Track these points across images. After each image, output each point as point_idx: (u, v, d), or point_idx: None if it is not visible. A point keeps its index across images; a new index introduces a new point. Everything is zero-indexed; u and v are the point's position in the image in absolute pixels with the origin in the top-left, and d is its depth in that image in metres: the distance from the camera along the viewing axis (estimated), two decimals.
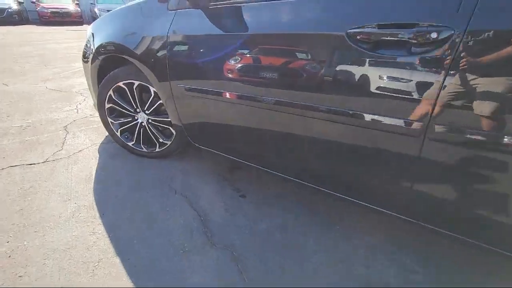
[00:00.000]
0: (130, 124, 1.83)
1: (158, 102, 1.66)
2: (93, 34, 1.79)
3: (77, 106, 2.84)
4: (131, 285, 1.06)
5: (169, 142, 1.79)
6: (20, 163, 1.80)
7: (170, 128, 1.74)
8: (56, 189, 1.56)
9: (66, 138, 2.16)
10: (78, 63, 4.79)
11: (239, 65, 1.19)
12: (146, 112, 1.74)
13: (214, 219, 1.39)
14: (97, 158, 1.91)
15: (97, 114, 2.61)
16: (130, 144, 1.88)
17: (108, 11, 12.64)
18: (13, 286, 1.05)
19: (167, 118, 1.68)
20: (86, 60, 1.87)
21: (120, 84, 1.68)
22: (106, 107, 1.80)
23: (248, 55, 1.16)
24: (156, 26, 1.41)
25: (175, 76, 1.39)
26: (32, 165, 1.78)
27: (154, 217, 1.39)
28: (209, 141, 1.57)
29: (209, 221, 1.38)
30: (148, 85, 1.61)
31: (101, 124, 2.37)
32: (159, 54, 1.40)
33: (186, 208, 1.46)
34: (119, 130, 1.86)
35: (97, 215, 1.39)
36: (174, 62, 1.37)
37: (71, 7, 12.22)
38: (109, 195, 1.54)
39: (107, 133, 2.24)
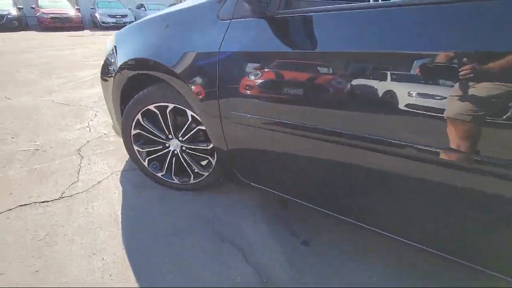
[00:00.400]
0: (161, 153, 1.55)
1: (196, 128, 1.39)
2: (115, 47, 1.52)
3: (88, 123, 2.56)
4: None
5: (206, 173, 1.51)
6: (31, 200, 1.52)
7: (209, 158, 1.47)
8: (77, 238, 1.28)
9: (81, 165, 1.88)
10: (83, 72, 4.52)
11: (325, 92, 0.91)
12: (180, 139, 1.46)
13: (279, 280, 1.11)
14: (120, 191, 1.63)
15: (112, 133, 2.35)
16: (159, 174, 1.61)
17: (109, 15, 12.47)
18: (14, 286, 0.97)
19: (206, 146, 1.41)
20: (106, 77, 1.60)
21: (151, 107, 1.41)
22: (132, 133, 1.52)
23: (341, 80, 0.88)
24: (203, 39, 1.14)
25: (227, 101, 1.12)
26: (46, 203, 1.50)
27: (204, 280, 1.11)
28: (267, 179, 1.29)
29: (274, 285, 1.10)
30: (185, 109, 1.34)
31: (118, 146, 2.12)
32: (206, 74, 1.13)
33: (240, 264, 1.18)
34: (146, 159, 1.58)
35: (132, 277, 1.11)
36: (226, 84, 1.10)
37: (72, 12, 11.94)
38: (142, 245, 1.26)
39: (127, 158, 1.97)
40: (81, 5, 13.74)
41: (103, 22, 12.24)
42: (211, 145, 1.39)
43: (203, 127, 1.35)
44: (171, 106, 1.37)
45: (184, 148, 1.50)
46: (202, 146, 1.44)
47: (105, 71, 1.62)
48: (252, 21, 1.02)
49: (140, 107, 1.43)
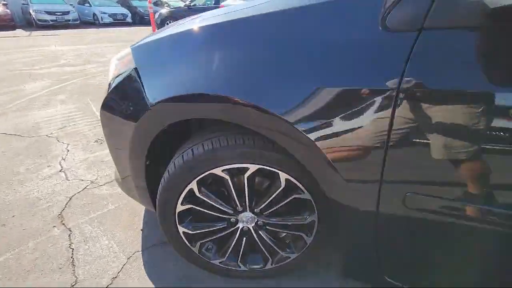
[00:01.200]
0: (224, 233, 1.00)
1: (293, 196, 0.88)
2: (137, 71, 0.91)
3: (61, 165, 1.84)
4: None
5: (293, 255, 1.01)
6: None
7: (303, 234, 0.96)
8: None
9: (73, 246, 1.23)
10: (30, 84, 3.58)
11: None
12: (256, 210, 0.94)
13: None
14: None
15: (103, 179, 1.68)
16: (216, 262, 1.05)
17: (46, 12, 10.82)
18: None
19: (302, 219, 0.91)
20: (121, 118, 0.98)
21: (217, 171, 0.85)
22: (177, 211, 0.94)
23: None
24: (355, 65, 0.63)
25: (404, 169, 0.64)
26: None
27: None
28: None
29: None
30: (278, 171, 0.83)
31: (121, 201, 1.49)
32: (363, 127, 0.63)
33: None
34: (198, 244, 1.02)
35: None
36: (409, 140, 0.61)
37: None
38: None
39: (139, 222, 1.36)
40: (9, 0, 11.65)
41: (39, 20, 10.52)
42: (311, 219, 0.91)
43: (302, 196, 0.86)
44: (253, 167, 0.84)
45: (260, 223, 0.97)
46: (296, 220, 0.93)
47: (116, 107, 1.00)
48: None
49: (197, 172, 0.86)
